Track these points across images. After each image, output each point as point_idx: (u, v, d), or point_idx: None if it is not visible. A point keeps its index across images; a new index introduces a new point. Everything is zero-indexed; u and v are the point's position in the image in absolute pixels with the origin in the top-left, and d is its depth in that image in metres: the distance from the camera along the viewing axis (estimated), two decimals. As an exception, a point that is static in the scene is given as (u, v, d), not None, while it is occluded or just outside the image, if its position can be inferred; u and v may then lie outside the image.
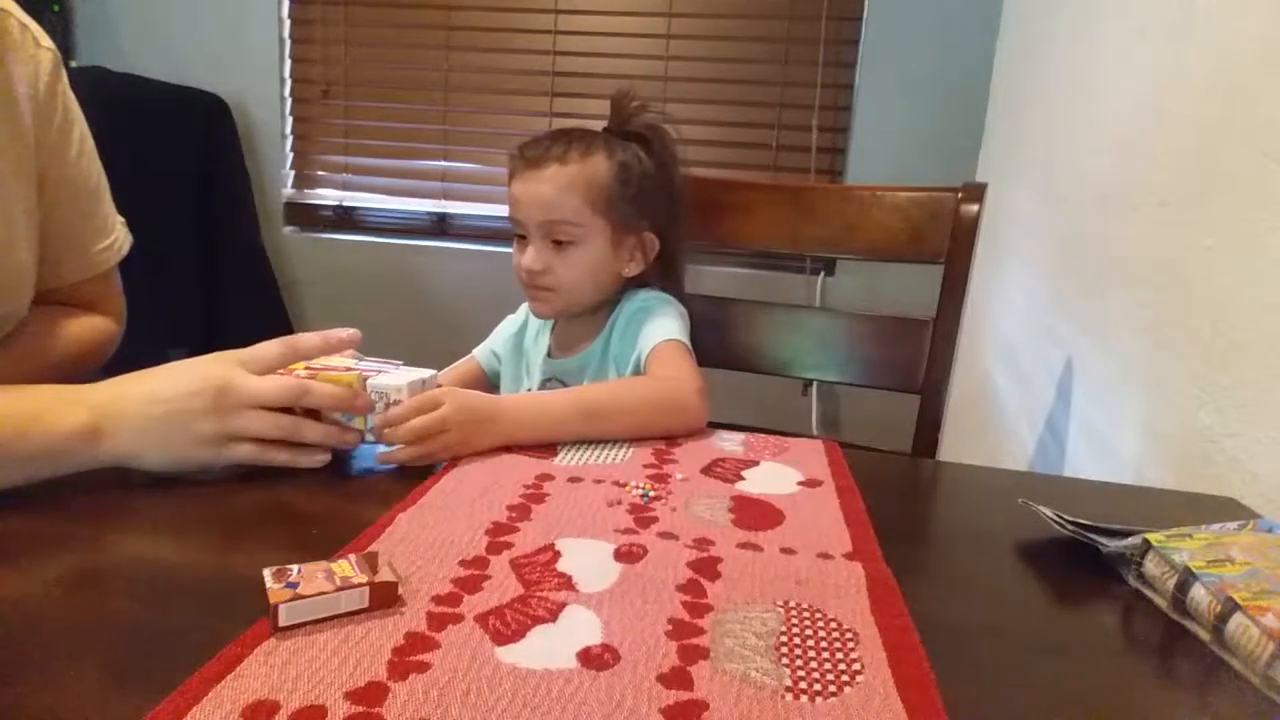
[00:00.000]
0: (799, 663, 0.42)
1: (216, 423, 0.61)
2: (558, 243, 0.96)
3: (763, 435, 0.83)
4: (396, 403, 0.66)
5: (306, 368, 0.68)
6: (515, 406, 0.75)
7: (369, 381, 0.66)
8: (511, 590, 0.48)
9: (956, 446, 1.82)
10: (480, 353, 1.13)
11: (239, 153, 2.32)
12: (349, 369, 0.68)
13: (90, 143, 0.83)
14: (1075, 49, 1.40)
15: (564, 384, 1.03)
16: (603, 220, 0.96)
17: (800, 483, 0.69)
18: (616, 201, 0.96)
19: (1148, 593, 0.53)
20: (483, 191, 2.37)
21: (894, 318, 1.13)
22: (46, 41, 0.77)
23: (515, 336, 1.11)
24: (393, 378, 0.68)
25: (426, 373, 0.71)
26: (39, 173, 0.76)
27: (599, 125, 1.07)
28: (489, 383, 1.12)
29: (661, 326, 0.94)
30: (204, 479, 0.65)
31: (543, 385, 1.05)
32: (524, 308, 1.11)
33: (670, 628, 0.45)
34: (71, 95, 0.80)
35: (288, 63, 2.38)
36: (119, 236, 0.87)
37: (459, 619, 0.44)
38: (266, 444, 0.63)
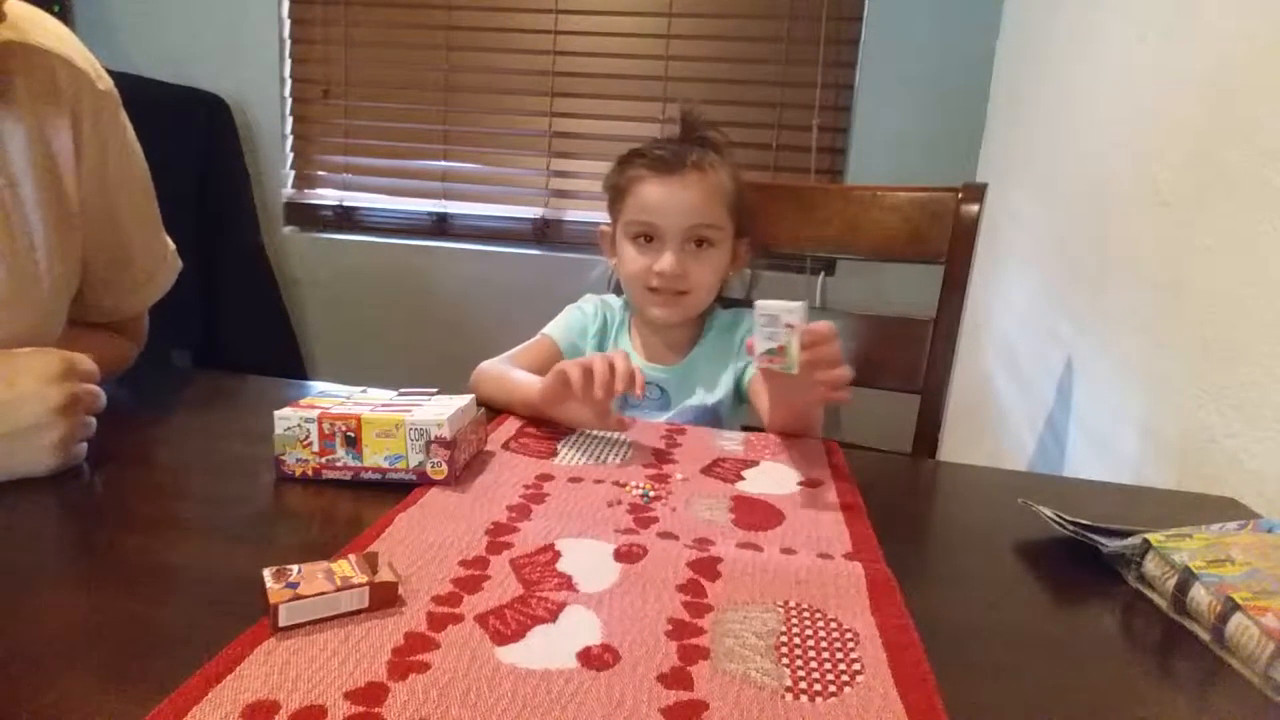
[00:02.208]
0: (799, 663, 0.42)
1: (64, 430, 0.61)
2: (696, 246, 0.99)
3: (763, 435, 0.83)
4: (439, 439, 0.62)
5: (340, 404, 0.66)
6: None
7: (408, 418, 0.63)
8: (511, 590, 0.48)
9: (956, 446, 1.82)
10: (560, 339, 1.05)
11: (239, 153, 2.32)
12: (387, 405, 0.67)
13: (141, 184, 0.80)
14: (1075, 49, 1.40)
15: (663, 390, 1.03)
16: (731, 224, 1.01)
17: (800, 483, 0.69)
18: (736, 208, 1.01)
19: (1148, 593, 0.53)
20: (483, 191, 2.37)
21: (894, 318, 1.13)
22: (104, 83, 0.74)
23: (596, 337, 1.08)
24: (432, 410, 0.65)
25: (464, 399, 0.69)
26: (86, 218, 0.74)
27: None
28: None
29: None
30: (207, 482, 0.65)
31: None
32: (595, 305, 1.09)
33: (670, 628, 0.45)
34: (127, 135, 0.77)
35: (288, 63, 2.37)
36: (159, 277, 0.86)
37: (459, 619, 0.44)
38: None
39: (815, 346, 0.68)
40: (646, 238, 0.99)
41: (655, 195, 0.98)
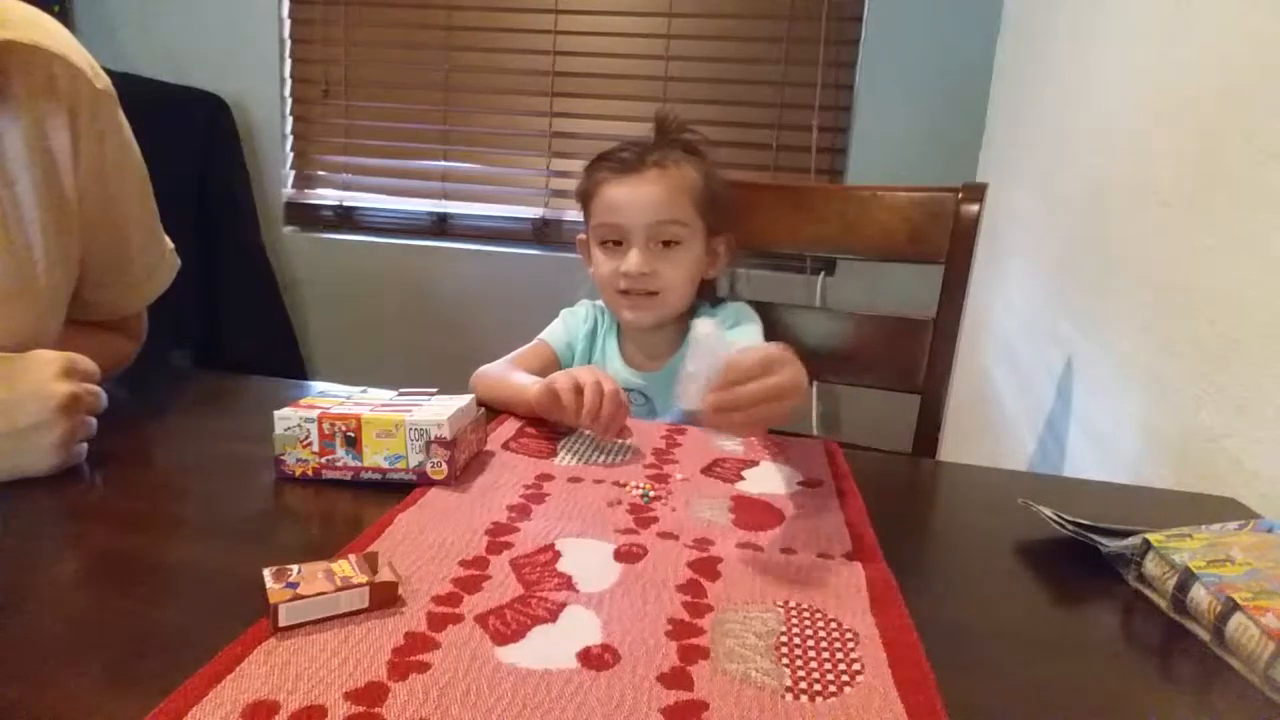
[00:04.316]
0: (799, 663, 0.42)
1: (65, 429, 0.61)
2: (664, 246, 0.98)
3: (763, 435, 0.83)
4: (439, 439, 0.63)
5: (340, 404, 0.66)
6: None
7: (408, 418, 0.63)
8: (511, 590, 0.48)
9: (956, 446, 1.82)
10: (556, 343, 1.06)
11: (239, 153, 2.32)
12: (386, 404, 0.67)
13: (138, 182, 0.80)
14: (1075, 49, 1.40)
15: (646, 397, 1.02)
16: (701, 222, 1.00)
17: (800, 483, 0.69)
18: (706, 204, 1.00)
19: (1148, 593, 0.53)
20: (483, 191, 2.37)
21: (894, 318, 1.13)
22: (102, 82, 0.73)
23: (588, 339, 1.08)
24: (432, 410, 0.65)
25: (464, 399, 0.69)
26: (83, 217, 0.74)
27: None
28: None
29: (756, 334, 1.01)
30: (207, 482, 0.65)
31: None
32: (587, 308, 1.09)
33: (670, 628, 0.45)
34: (124, 133, 0.77)
35: (288, 63, 2.37)
36: (157, 276, 0.85)
37: (459, 619, 0.44)
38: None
39: (725, 390, 0.56)
40: (615, 241, 0.99)
41: (617, 195, 0.98)
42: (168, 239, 0.87)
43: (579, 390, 0.76)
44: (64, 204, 0.72)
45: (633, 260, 0.96)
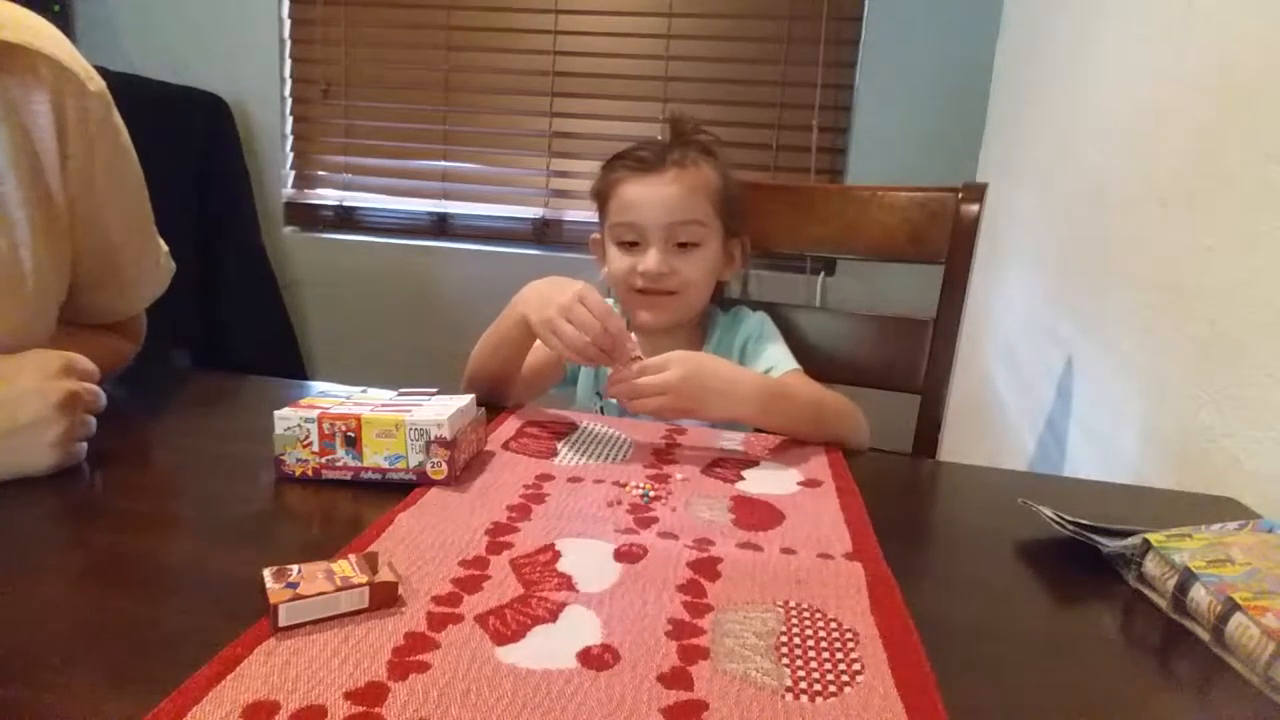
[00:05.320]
0: (799, 663, 0.42)
1: (64, 427, 0.61)
2: (680, 246, 0.97)
3: (763, 435, 0.83)
4: (439, 439, 0.63)
5: (340, 404, 0.66)
6: (749, 384, 0.80)
7: (408, 418, 0.63)
8: (511, 590, 0.48)
9: (956, 446, 1.82)
10: None
11: (239, 153, 2.32)
12: (387, 405, 0.67)
13: (133, 187, 0.79)
14: (1075, 49, 1.40)
15: None
16: (719, 222, 1.00)
17: (800, 483, 0.69)
18: (724, 206, 1.00)
19: (1148, 593, 0.53)
20: (483, 191, 2.37)
21: (894, 318, 1.13)
22: (95, 84, 0.72)
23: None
24: (432, 410, 0.65)
25: (464, 399, 0.69)
26: (72, 221, 0.73)
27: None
28: (567, 376, 1.07)
29: (784, 353, 1.00)
30: (207, 482, 0.65)
31: None
32: None
33: (670, 628, 0.45)
34: (118, 136, 0.76)
35: (288, 63, 2.37)
36: (151, 282, 0.85)
37: (459, 619, 0.44)
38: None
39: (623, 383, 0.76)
40: (631, 241, 0.99)
41: (635, 194, 0.97)
42: (162, 242, 0.86)
43: (579, 348, 0.76)
44: (51, 205, 0.71)
45: (651, 259, 0.96)
